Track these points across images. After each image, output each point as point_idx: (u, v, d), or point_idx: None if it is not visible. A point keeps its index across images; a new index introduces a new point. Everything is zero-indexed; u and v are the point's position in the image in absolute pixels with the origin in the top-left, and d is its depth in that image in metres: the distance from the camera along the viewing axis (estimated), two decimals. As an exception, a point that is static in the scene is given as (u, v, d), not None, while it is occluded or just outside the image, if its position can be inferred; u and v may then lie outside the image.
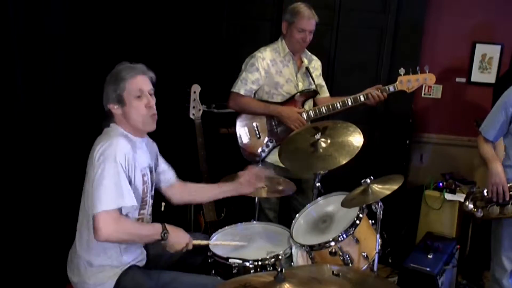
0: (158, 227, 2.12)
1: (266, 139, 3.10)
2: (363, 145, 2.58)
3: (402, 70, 3.02)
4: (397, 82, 3.03)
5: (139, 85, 2.13)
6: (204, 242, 2.32)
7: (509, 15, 3.93)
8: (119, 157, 2.02)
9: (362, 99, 3.01)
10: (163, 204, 2.53)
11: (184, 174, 2.59)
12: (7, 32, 2.48)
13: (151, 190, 2.30)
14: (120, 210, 2.02)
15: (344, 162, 2.54)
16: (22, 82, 2.60)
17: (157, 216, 3.18)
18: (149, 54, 3.62)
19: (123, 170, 2.03)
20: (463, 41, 4.02)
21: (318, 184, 2.72)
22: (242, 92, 3.05)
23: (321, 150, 2.64)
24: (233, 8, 3.93)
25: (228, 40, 3.97)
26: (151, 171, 2.29)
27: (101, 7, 3.30)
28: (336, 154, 2.59)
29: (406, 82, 3.03)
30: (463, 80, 4.08)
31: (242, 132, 3.12)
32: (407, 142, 4.03)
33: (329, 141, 2.66)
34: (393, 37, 3.88)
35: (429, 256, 3.11)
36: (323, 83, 3.30)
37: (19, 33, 2.55)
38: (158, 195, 2.47)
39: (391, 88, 3.03)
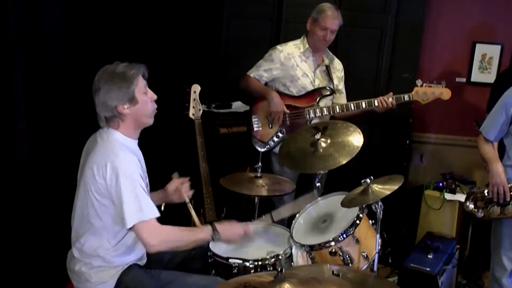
0: (207, 230, 2.18)
1: (277, 129, 3.13)
2: (363, 145, 2.58)
3: (419, 82, 3.07)
4: (413, 92, 3.06)
5: (144, 82, 2.17)
6: (263, 223, 2.49)
7: (509, 15, 3.93)
8: (132, 172, 2.06)
9: (376, 103, 3.06)
10: (163, 203, 2.52)
11: (184, 174, 2.58)
12: (7, 32, 2.48)
13: None
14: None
15: (344, 162, 2.54)
16: (22, 82, 2.60)
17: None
18: (149, 54, 3.62)
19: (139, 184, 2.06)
20: (463, 41, 4.02)
21: (318, 184, 2.72)
22: (252, 74, 3.20)
23: (321, 150, 2.64)
24: (233, 8, 3.93)
25: (228, 40, 3.97)
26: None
27: (102, 7, 3.30)
28: (336, 154, 2.59)
29: (422, 93, 3.07)
30: (463, 80, 4.08)
31: (255, 119, 3.22)
32: (407, 142, 4.04)
33: (329, 141, 2.66)
34: (393, 37, 3.88)
35: (429, 256, 3.10)
36: (343, 90, 3.33)
37: (19, 33, 2.55)
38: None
39: (406, 97, 3.06)
